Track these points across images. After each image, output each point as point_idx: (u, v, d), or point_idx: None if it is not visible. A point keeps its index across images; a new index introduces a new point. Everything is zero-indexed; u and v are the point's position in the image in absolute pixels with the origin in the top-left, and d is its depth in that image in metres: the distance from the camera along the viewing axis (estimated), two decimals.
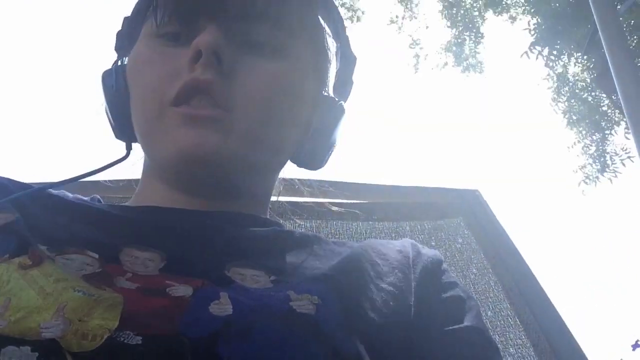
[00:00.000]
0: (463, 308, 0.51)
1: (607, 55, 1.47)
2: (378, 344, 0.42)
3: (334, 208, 0.92)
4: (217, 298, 0.38)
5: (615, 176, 5.85)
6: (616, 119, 5.99)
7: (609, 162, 5.91)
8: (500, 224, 1.01)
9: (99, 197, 0.59)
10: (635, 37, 4.96)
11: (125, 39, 0.58)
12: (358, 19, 7.67)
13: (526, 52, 5.46)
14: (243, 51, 0.50)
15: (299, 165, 0.61)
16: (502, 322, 0.92)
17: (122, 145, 0.57)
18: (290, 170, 0.63)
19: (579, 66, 6.14)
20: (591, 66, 5.82)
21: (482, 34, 7.33)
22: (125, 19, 0.59)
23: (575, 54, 5.82)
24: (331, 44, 0.60)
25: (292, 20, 0.53)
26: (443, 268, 0.55)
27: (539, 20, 5.62)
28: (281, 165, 0.59)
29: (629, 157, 5.71)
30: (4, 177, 0.51)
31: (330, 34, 0.60)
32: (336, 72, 0.63)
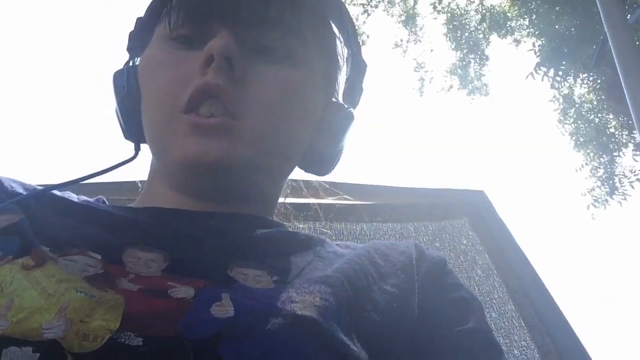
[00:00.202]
0: (467, 309, 0.50)
1: (617, 65, 1.47)
2: (381, 346, 0.42)
3: (338, 209, 0.92)
4: (218, 299, 0.38)
5: (625, 199, 5.79)
6: (624, 140, 5.97)
7: (617, 184, 5.87)
8: (505, 225, 1.00)
9: (103, 198, 0.59)
10: None
11: (138, 40, 0.58)
12: (363, 43, 7.76)
13: (531, 73, 5.48)
14: (254, 57, 0.50)
15: (307, 170, 0.61)
16: (506, 323, 0.91)
17: (117, 149, 0.57)
18: (294, 171, 0.62)
19: (585, 87, 6.15)
20: (598, 87, 5.83)
21: (487, 56, 7.38)
22: (138, 19, 0.59)
23: (581, 75, 5.84)
24: (342, 49, 0.61)
25: (304, 27, 0.53)
26: (447, 269, 0.55)
27: (543, 41, 5.66)
28: (289, 170, 0.59)
29: (637, 180, 5.67)
30: (9, 178, 0.51)
31: (342, 40, 0.60)
32: (346, 79, 0.63)
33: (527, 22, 6.38)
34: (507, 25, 6.79)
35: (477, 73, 7.46)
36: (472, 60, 7.42)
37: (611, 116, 5.96)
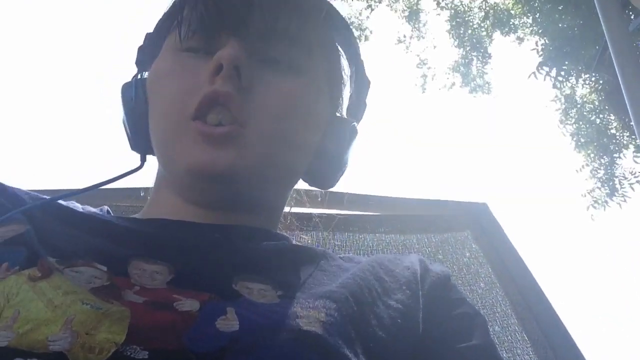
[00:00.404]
0: (471, 325, 0.51)
1: (617, 72, 1.47)
2: None
3: (341, 219, 0.92)
4: (223, 313, 0.38)
5: (625, 201, 5.79)
6: (624, 142, 5.97)
7: (617, 186, 5.87)
8: (508, 238, 1.00)
9: (108, 208, 0.60)
10: None
11: (147, 54, 0.59)
12: (366, 38, 7.74)
13: (534, 73, 5.47)
14: (261, 67, 0.51)
15: (311, 184, 0.62)
16: (509, 337, 0.91)
17: (117, 149, 0.58)
18: (298, 182, 0.62)
19: (587, 87, 6.14)
20: (599, 88, 5.82)
21: (490, 54, 7.37)
22: (147, 34, 0.60)
23: (583, 75, 5.82)
24: (346, 66, 0.62)
25: (310, 39, 0.54)
26: (451, 284, 0.55)
27: (546, 40, 5.65)
28: (293, 181, 0.59)
29: (638, 182, 5.67)
30: (15, 188, 0.51)
31: (346, 57, 0.62)
32: (350, 95, 0.64)
33: (530, 20, 6.35)
34: (511, 23, 6.76)
35: (480, 71, 7.46)
36: (475, 58, 7.41)
37: (612, 117, 5.95)
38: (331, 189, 0.65)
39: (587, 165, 6.17)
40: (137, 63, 0.61)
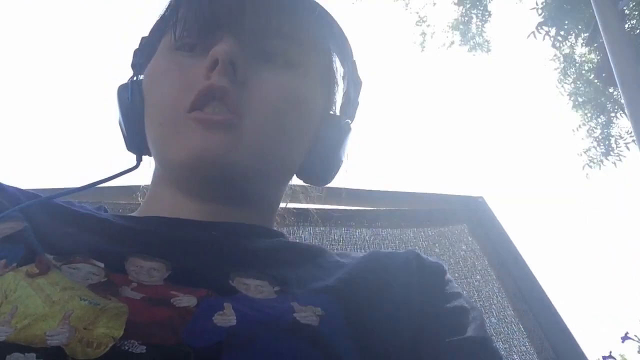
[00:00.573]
0: (467, 319, 0.51)
1: (607, 50, 1.45)
2: (382, 355, 0.43)
3: (337, 214, 0.92)
4: (221, 309, 0.38)
5: (620, 160, 5.80)
6: (622, 101, 5.92)
7: (613, 145, 5.86)
8: (504, 230, 1.01)
9: (105, 206, 0.60)
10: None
11: (142, 57, 0.60)
12: None
13: (533, 33, 5.37)
14: (256, 61, 0.52)
15: (305, 181, 0.63)
16: (505, 328, 0.92)
17: (114, 149, 0.59)
18: (293, 177, 0.63)
19: (585, 47, 6.04)
20: (598, 46, 5.72)
21: (490, 12, 7.20)
22: (143, 38, 0.61)
23: (582, 34, 5.72)
24: (339, 66, 0.62)
25: (303, 38, 0.55)
26: (446, 278, 0.56)
27: None
28: (288, 176, 0.60)
29: (633, 141, 5.66)
30: (13, 187, 0.52)
31: (339, 57, 0.62)
32: (343, 94, 0.65)
33: None
34: None
35: (479, 29, 7.30)
36: (475, 16, 7.24)
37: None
38: (328, 185, 0.65)
39: (584, 124, 6.15)
40: (133, 66, 0.61)
